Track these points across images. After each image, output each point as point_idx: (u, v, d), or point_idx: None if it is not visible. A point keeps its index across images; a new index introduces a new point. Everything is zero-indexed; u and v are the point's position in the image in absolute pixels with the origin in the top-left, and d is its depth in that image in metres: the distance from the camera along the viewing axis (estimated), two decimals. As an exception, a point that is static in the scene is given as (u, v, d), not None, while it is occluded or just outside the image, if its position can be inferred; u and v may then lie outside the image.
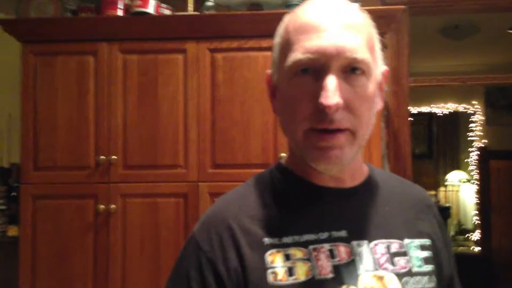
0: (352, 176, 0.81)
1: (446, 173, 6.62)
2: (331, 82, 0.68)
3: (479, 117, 6.07)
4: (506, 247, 5.59)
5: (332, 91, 0.68)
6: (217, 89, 2.08)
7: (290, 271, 0.71)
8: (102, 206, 2.04)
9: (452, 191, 6.63)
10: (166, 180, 2.06)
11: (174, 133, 2.08)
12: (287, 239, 0.74)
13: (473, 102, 6.06)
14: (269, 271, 0.71)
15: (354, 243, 0.75)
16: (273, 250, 0.73)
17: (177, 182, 2.06)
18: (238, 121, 2.06)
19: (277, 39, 0.79)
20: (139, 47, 2.12)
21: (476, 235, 6.17)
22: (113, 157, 2.06)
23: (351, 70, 0.71)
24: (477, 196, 6.14)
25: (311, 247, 0.73)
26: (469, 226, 6.45)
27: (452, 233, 6.47)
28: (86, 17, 2.19)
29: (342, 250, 0.74)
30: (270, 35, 2.08)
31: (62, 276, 2.05)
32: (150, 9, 2.11)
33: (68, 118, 2.10)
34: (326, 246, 0.74)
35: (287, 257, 0.72)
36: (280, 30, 0.79)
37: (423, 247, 0.81)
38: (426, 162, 6.68)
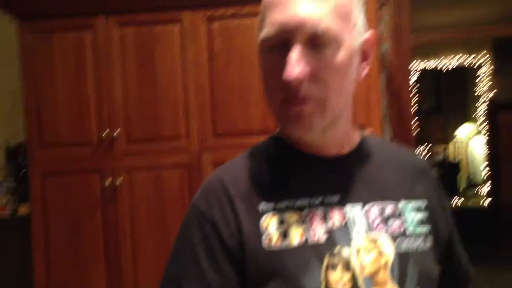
0: (339, 145, 0.82)
1: (455, 127, 6.58)
2: (293, 56, 0.69)
3: (487, 69, 5.98)
4: (514, 200, 5.60)
5: (293, 65, 0.68)
6: (214, 58, 2.07)
7: (284, 235, 0.73)
8: (108, 180, 2.07)
9: (462, 145, 6.60)
10: (168, 152, 2.09)
11: (174, 105, 2.09)
12: (282, 204, 0.76)
13: (482, 53, 5.95)
14: (264, 236, 0.73)
15: (348, 206, 0.77)
16: (268, 214, 0.75)
17: (180, 153, 2.08)
18: (237, 89, 2.06)
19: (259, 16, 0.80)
20: (135, 20, 2.11)
21: (486, 188, 6.17)
22: (117, 131, 2.08)
23: (317, 40, 0.70)
24: (487, 148, 6.11)
25: (306, 210, 0.75)
26: (479, 180, 6.45)
27: (461, 187, 6.49)
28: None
29: (335, 214, 0.76)
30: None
31: (75, 251, 2.11)
32: (143, -20, 2.07)
33: (69, 94, 2.11)
34: (320, 209, 0.75)
35: (282, 221, 0.74)
36: (260, 6, 0.79)
37: (418, 209, 0.82)
38: (435, 117, 6.63)
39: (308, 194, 0.77)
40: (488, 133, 6.00)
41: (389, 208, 0.79)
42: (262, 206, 0.76)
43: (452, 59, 6.13)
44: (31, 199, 2.12)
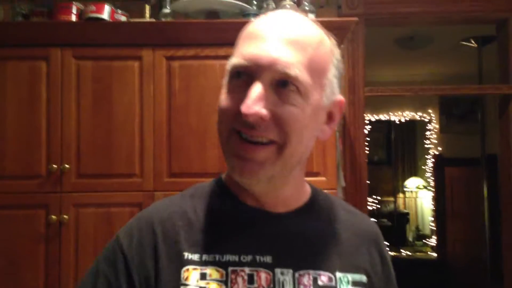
0: (285, 201, 0.78)
1: (404, 179, 6.77)
2: (255, 90, 0.67)
3: (434, 125, 6.25)
4: (460, 253, 5.75)
5: (252, 99, 0.66)
6: (173, 97, 2.07)
7: None
8: (53, 217, 1.98)
9: (410, 197, 6.78)
10: (121, 189, 2.02)
11: (130, 141, 2.04)
12: (207, 257, 0.71)
13: (429, 110, 6.23)
14: (182, 287, 0.69)
15: (278, 270, 0.72)
16: (190, 267, 0.70)
17: (132, 192, 2.02)
18: (195, 129, 2.05)
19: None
20: (93, 53, 2.08)
21: (432, 241, 6.32)
22: (66, 165, 2.01)
23: (282, 84, 0.68)
24: (433, 202, 6.30)
25: (230, 268, 0.70)
26: (427, 231, 6.61)
27: (410, 238, 6.62)
28: (38, 21, 2.14)
29: (263, 277, 0.71)
30: (227, 43, 2.08)
31: (11, 289, 1.97)
32: (105, 15, 2.07)
33: (19, 125, 2.04)
34: (247, 269, 0.71)
35: (203, 276, 0.69)
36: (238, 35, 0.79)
37: (356, 283, 0.76)
38: (385, 168, 6.81)
39: (238, 251, 0.72)
40: (434, 187, 6.20)
41: (322, 278, 0.73)
42: (187, 255, 0.72)
43: (402, 114, 6.39)
44: (-33, 234, 1.99)
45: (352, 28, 2.09)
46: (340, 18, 2.32)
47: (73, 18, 2.09)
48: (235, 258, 0.71)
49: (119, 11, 2.14)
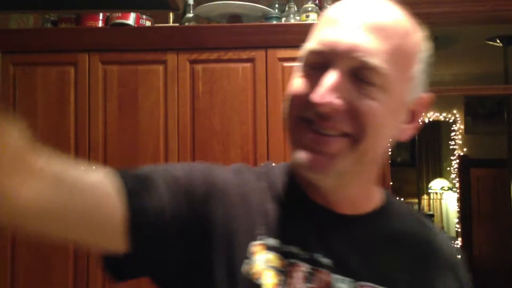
0: (353, 203, 0.70)
1: (428, 181, 6.70)
2: (329, 78, 0.60)
3: (459, 126, 6.17)
4: (486, 255, 5.66)
5: (326, 88, 0.60)
6: (197, 100, 2.10)
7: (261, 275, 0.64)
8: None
9: (435, 199, 6.70)
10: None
11: (155, 144, 2.09)
12: (273, 241, 0.66)
13: (454, 111, 6.16)
14: (248, 260, 0.64)
15: (337, 277, 0.65)
16: (258, 244, 0.65)
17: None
18: (218, 131, 2.08)
19: None
20: (119, 58, 2.13)
21: (458, 243, 6.24)
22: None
23: (361, 74, 0.61)
24: (458, 204, 6.22)
25: (291, 260, 0.65)
26: (452, 233, 6.53)
27: (434, 240, 6.53)
28: (66, 28, 2.20)
29: (321, 278, 0.64)
30: (249, 46, 2.12)
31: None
32: (130, 20, 2.12)
33: (48, 130, 2.10)
34: (307, 266, 0.65)
35: (260, 259, 0.65)
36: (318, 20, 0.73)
37: None
38: (409, 170, 6.75)
39: (300, 244, 0.66)
40: (459, 188, 6.12)
41: None
42: (259, 231, 0.67)
43: (425, 114, 6.32)
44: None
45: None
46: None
47: (100, 24, 2.15)
48: (297, 251, 0.65)
49: (144, 17, 2.19)
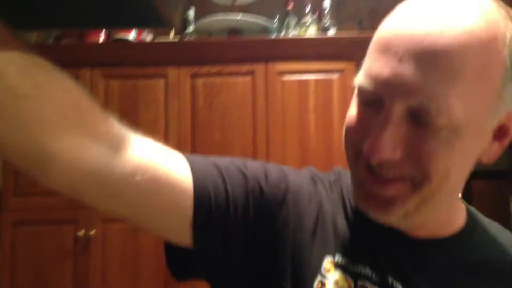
0: (431, 227, 0.62)
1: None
2: (384, 128, 0.52)
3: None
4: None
5: (380, 140, 0.52)
6: (197, 114, 2.11)
7: None
8: (82, 231, 2.03)
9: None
10: (146, 204, 2.06)
11: (155, 157, 2.09)
12: (340, 259, 0.60)
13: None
14: (319, 277, 0.59)
15: None
16: (331, 260, 0.60)
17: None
18: (218, 145, 2.09)
19: None
20: (120, 73, 2.15)
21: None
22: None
23: (422, 119, 0.52)
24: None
25: (360, 282, 0.59)
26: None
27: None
28: (69, 43, 2.22)
29: None
30: (249, 60, 2.13)
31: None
32: (131, 36, 2.15)
33: (49, 143, 2.11)
34: None
35: (331, 278, 0.59)
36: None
37: None
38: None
39: (370, 266, 0.60)
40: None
41: None
42: (331, 245, 0.62)
43: None
44: (1, 248, 2.06)
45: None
46: (361, 34, 2.34)
47: (102, 39, 2.17)
48: (367, 272, 0.59)
49: (145, 32, 2.21)
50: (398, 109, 0.52)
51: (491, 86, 0.52)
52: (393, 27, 0.54)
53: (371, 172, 0.55)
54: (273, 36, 2.21)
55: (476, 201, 6.08)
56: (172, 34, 2.31)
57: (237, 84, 2.11)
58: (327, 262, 0.60)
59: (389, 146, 0.52)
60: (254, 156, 2.05)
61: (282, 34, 2.23)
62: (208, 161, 0.63)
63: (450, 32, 0.50)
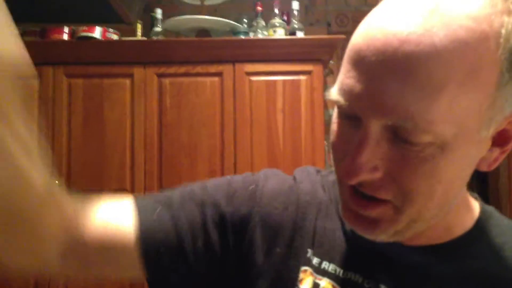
0: (425, 235, 0.57)
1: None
2: (364, 152, 0.47)
3: None
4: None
5: (356, 163, 0.47)
6: (164, 113, 2.09)
7: None
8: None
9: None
10: (111, 205, 2.02)
11: (121, 158, 2.06)
12: (327, 265, 0.58)
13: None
14: None
15: None
16: (308, 269, 0.58)
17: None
18: (186, 145, 2.07)
19: None
20: (84, 71, 2.11)
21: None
22: (56, 182, 2.00)
23: (402, 137, 0.46)
24: None
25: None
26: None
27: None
28: (31, 40, 2.16)
29: None
30: (217, 61, 2.12)
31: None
32: (97, 34, 2.10)
33: (10, 143, 2.05)
34: None
35: (315, 286, 0.57)
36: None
37: None
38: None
39: (361, 272, 0.57)
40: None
41: None
42: (310, 253, 0.59)
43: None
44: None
45: (341, 46, 2.13)
46: (329, 36, 2.36)
47: (65, 37, 2.12)
48: (358, 279, 0.56)
49: (111, 30, 2.17)
50: (375, 127, 0.46)
51: (483, 93, 0.45)
52: (366, 34, 0.47)
53: (355, 192, 0.51)
54: (242, 37, 2.20)
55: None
56: (139, 33, 2.27)
57: (205, 84, 2.09)
58: (302, 272, 0.58)
59: (367, 166, 0.47)
60: (222, 156, 2.04)
61: (251, 35, 2.22)
62: (159, 202, 0.62)
63: (428, 40, 0.43)
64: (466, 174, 0.51)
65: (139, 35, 2.27)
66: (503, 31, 0.45)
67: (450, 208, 0.54)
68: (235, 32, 2.24)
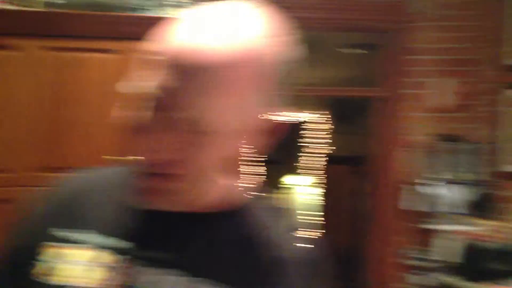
0: (183, 202, 0.63)
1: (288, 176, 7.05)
2: (163, 139, 0.58)
3: (324, 126, 6.62)
4: (344, 245, 6.12)
5: (153, 147, 0.58)
6: (58, 89, 2.04)
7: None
8: None
9: (296, 193, 7.07)
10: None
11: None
12: (102, 239, 0.62)
13: (321, 111, 6.59)
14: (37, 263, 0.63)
15: (169, 273, 0.60)
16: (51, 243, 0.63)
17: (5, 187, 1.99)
18: (76, 122, 2.05)
19: None
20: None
21: (318, 235, 6.66)
22: None
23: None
24: (318, 198, 6.67)
25: (122, 258, 0.61)
26: (314, 226, 6.94)
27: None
28: None
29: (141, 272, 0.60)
30: (117, 37, 2.05)
31: None
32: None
33: None
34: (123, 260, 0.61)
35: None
36: None
37: None
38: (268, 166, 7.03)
39: (136, 241, 0.62)
40: (319, 183, 6.57)
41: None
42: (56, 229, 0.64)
43: (293, 114, 6.66)
44: None
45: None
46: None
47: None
48: (128, 247, 0.62)
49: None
50: (166, 117, 0.56)
51: (257, 95, 0.58)
52: (171, 40, 0.57)
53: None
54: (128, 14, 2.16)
55: (334, 184, 6.53)
56: (39, 4, 2.16)
57: (90, 59, 2.08)
58: (43, 247, 0.62)
59: (161, 147, 0.56)
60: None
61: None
62: None
63: (221, 51, 0.55)
64: (229, 156, 0.62)
65: (37, 7, 2.16)
66: (275, 52, 0.59)
67: (208, 183, 0.63)
68: (137, 9, 2.20)
